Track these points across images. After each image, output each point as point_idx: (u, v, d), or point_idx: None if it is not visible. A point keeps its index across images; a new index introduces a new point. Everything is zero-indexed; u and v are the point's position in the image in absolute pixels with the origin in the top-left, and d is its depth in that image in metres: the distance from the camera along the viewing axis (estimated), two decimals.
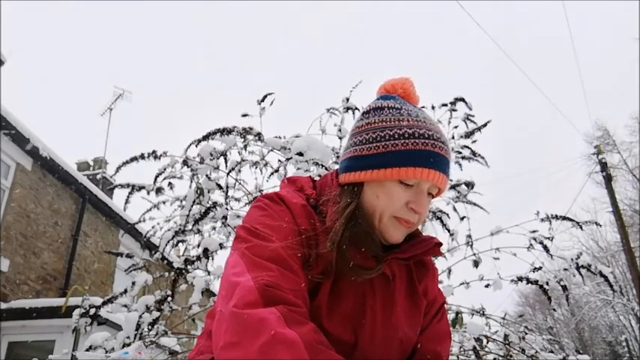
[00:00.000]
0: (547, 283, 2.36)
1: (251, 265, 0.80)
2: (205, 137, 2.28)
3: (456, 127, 2.66)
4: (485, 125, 2.64)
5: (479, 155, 2.56)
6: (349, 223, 0.88)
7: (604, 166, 12.61)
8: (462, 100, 2.64)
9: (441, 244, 0.98)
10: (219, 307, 0.79)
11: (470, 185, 2.53)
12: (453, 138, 2.64)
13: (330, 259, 0.87)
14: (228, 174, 2.38)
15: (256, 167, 2.46)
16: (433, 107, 2.64)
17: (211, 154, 2.34)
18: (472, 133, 2.61)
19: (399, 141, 0.88)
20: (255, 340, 0.67)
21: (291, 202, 0.92)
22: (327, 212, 0.93)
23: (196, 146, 2.31)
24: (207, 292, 2.56)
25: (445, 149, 0.89)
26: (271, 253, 0.81)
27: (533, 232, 2.45)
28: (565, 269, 2.40)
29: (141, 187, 2.41)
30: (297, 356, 0.65)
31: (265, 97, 2.51)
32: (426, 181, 0.88)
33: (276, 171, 2.41)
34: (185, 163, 2.36)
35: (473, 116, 2.65)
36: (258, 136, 2.36)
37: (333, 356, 0.70)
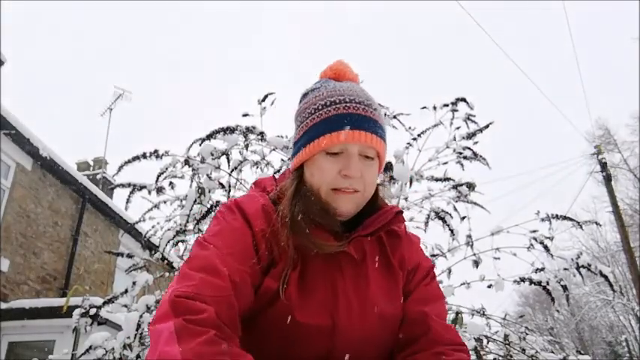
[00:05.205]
0: (547, 283, 2.35)
1: (178, 278, 0.82)
2: (209, 136, 2.28)
3: (457, 127, 2.64)
4: (487, 127, 2.62)
5: (480, 156, 2.55)
6: (293, 201, 0.91)
7: (604, 165, 12.60)
8: (464, 100, 2.62)
9: (401, 211, 0.98)
10: None
11: (471, 186, 2.52)
12: (454, 139, 2.62)
13: (293, 247, 0.88)
14: (230, 174, 2.38)
15: (257, 167, 2.46)
16: (435, 108, 2.62)
17: (212, 154, 2.34)
18: (474, 134, 2.59)
19: (314, 115, 0.92)
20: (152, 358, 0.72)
21: (247, 206, 0.93)
22: None
23: (200, 145, 2.31)
24: None
25: (365, 109, 0.90)
26: (200, 262, 0.83)
27: (534, 232, 2.44)
28: (565, 269, 2.39)
29: (142, 187, 2.41)
30: None
31: (266, 96, 2.51)
32: (349, 143, 0.88)
33: (278, 171, 2.41)
34: (187, 162, 2.35)
35: (474, 116, 2.63)
36: (261, 135, 2.36)
37: None
